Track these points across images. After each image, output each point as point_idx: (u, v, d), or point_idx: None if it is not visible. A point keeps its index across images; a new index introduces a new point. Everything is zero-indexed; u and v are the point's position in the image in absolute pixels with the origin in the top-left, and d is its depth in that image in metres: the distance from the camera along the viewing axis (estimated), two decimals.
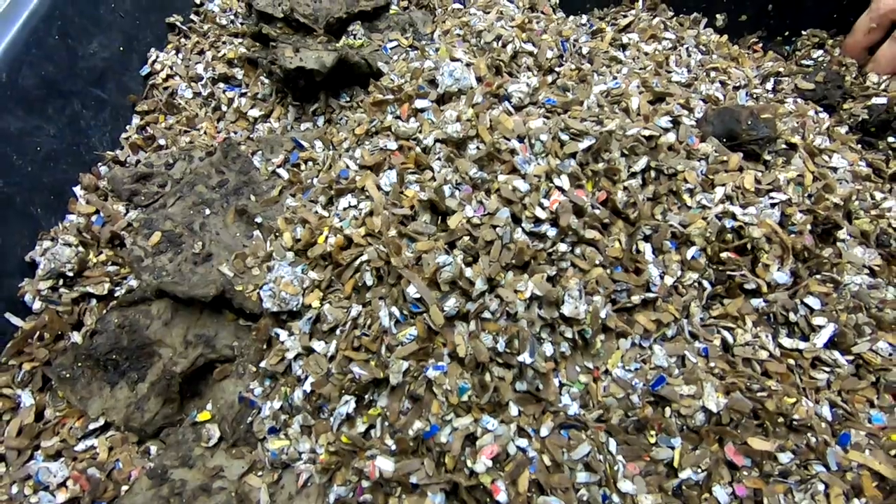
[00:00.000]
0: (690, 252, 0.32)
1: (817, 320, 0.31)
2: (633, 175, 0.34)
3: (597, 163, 0.33)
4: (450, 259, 0.27)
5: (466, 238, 0.28)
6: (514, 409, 0.28)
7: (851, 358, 0.32)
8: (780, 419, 0.28)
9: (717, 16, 0.55)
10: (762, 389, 0.28)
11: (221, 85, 0.47)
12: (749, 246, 0.32)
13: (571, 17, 0.54)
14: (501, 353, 0.27)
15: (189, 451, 0.30)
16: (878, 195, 0.38)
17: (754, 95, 0.47)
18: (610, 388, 0.29)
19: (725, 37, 0.54)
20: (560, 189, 0.30)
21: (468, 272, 0.27)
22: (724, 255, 0.32)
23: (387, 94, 0.38)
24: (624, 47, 0.50)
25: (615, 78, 0.40)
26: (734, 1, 0.54)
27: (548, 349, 0.28)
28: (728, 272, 0.31)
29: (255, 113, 0.45)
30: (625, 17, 0.53)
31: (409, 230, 0.30)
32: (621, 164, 0.33)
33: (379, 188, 0.33)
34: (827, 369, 0.31)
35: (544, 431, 0.28)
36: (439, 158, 0.32)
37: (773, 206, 0.33)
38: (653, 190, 0.33)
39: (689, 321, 0.31)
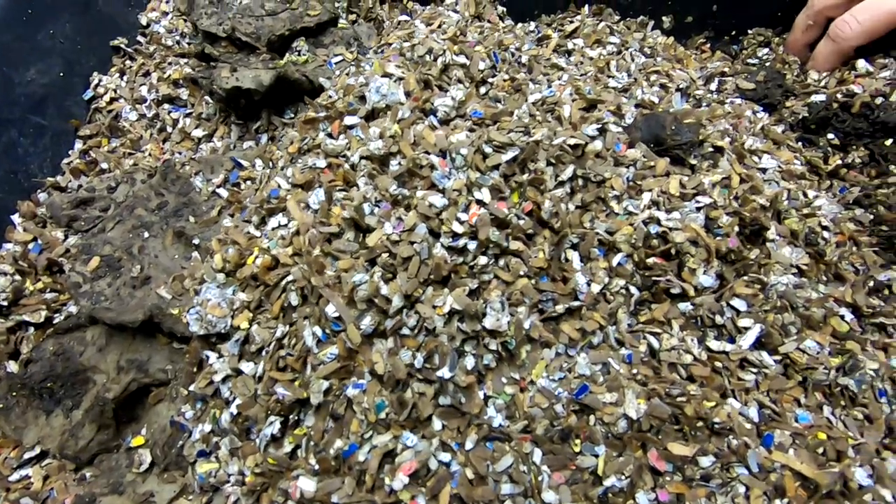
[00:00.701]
0: (616, 259, 0.32)
1: (743, 322, 0.32)
2: (560, 184, 0.34)
3: (523, 173, 0.33)
4: (365, 277, 0.28)
5: (385, 255, 0.29)
6: (437, 424, 0.28)
7: (779, 358, 0.32)
8: (700, 423, 0.28)
9: (664, 18, 0.55)
10: (682, 394, 0.28)
11: (166, 106, 0.47)
12: (674, 251, 0.32)
13: (519, 25, 0.55)
14: (421, 368, 0.28)
15: (121, 477, 0.30)
16: (811, 193, 0.38)
17: (696, 97, 0.47)
18: (535, 399, 0.29)
19: (672, 38, 0.55)
20: (480, 202, 0.30)
21: (384, 289, 0.27)
22: (650, 260, 0.32)
23: (320, 112, 0.38)
24: (569, 53, 0.51)
25: (550, 86, 0.40)
26: (679, 3, 0.54)
27: (469, 362, 0.29)
28: (654, 277, 0.32)
29: (198, 133, 0.45)
30: (571, 22, 0.54)
31: (332, 248, 0.30)
32: (548, 174, 0.33)
33: (307, 207, 0.33)
34: (754, 370, 0.31)
35: (469, 445, 0.28)
36: (363, 176, 0.32)
37: (698, 209, 0.33)
38: (580, 198, 0.34)
39: (616, 328, 0.31)
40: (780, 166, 0.39)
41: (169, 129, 0.46)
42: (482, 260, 0.29)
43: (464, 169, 0.31)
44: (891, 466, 0.31)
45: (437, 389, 0.28)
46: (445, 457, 0.28)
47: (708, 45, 0.56)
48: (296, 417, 0.29)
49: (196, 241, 0.37)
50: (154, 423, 0.32)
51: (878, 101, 0.44)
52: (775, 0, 0.53)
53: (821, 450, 0.30)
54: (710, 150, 0.35)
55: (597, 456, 0.28)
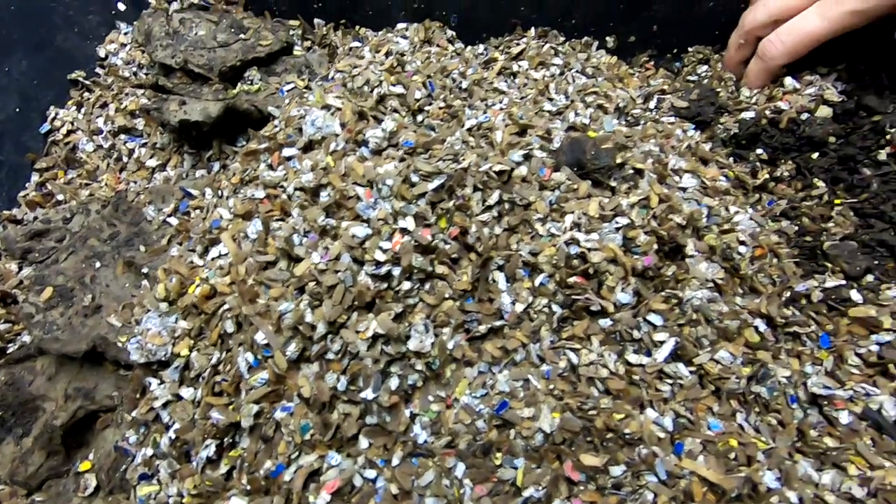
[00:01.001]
0: (539, 279, 0.34)
1: (659, 336, 0.33)
2: (487, 208, 0.36)
3: (451, 199, 0.35)
4: (291, 305, 0.29)
5: (312, 284, 0.30)
6: (364, 443, 0.30)
7: (694, 369, 0.34)
8: (610, 434, 0.30)
9: (608, 38, 0.58)
10: (594, 408, 0.30)
11: (123, 136, 0.48)
12: (593, 270, 0.34)
13: (469, 48, 0.57)
14: (346, 391, 0.29)
15: (68, 501, 0.32)
16: (732, 209, 0.40)
17: (634, 116, 0.50)
18: (459, 415, 0.31)
19: (615, 58, 0.57)
20: (404, 230, 0.32)
21: (309, 317, 0.29)
22: (571, 280, 0.34)
23: (263, 143, 0.40)
24: (514, 75, 0.53)
25: (486, 112, 0.42)
26: (622, 24, 0.56)
27: (394, 383, 0.30)
28: (574, 296, 0.33)
29: (153, 163, 0.47)
30: (517, 45, 0.56)
31: (265, 277, 0.32)
32: (474, 200, 0.35)
33: (246, 237, 0.35)
34: (670, 381, 0.33)
35: (395, 461, 0.30)
36: (296, 207, 0.34)
37: (617, 230, 0.35)
38: (507, 221, 0.36)
39: (538, 345, 0.33)
40: (704, 183, 0.41)
41: (125, 160, 0.48)
42: (406, 285, 0.31)
43: (390, 199, 0.33)
44: (801, 469, 0.33)
45: (363, 410, 0.30)
46: (371, 473, 0.29)
47: (652, 63, 0.58)
48: (230, 440, 0.30)
49: (145, 270, 0.39)
50: (101, 449, 0.33)
51: (804, 116, 0.47)
52: (712, 20, 0.55)
53: (732, 455, 0.32)
54: (631, 172, 0.37)
55: (516, 468, 0.30)
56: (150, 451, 0.32)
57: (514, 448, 0.30)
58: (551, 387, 0.31)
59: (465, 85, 0.47)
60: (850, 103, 0.47)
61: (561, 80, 0.51)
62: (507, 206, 0.36)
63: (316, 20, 0.57)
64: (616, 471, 0.29)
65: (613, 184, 0.37)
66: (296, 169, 0.36)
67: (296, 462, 0.28)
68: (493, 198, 0.35)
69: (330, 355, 0.29)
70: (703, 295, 0.35)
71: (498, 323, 0.32)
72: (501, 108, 0.44)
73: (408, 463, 0.30)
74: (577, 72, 0.53)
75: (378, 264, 0.31)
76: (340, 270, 0.30)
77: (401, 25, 0.56)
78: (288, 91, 0.48)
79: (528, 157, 0.37)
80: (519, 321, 0.33)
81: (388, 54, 0.50)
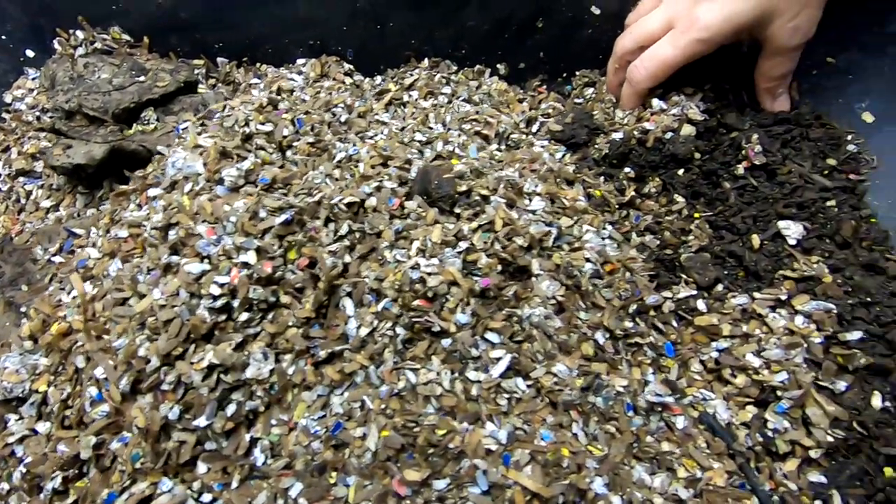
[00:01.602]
0: (382, 304, 0.36)
1: (496, 353, 0.35)
2: (339, 238, 0.38)
3: (301, 231, 0.37)
4: (125, 341, 0.31)
5: (151, 319, 0.32)
6: (202, 468, 0.31)
7: (531, 382, 0.36)
8: (432, 450, 0.32)
9: (499, 66, 0.61)
10: (418, 425, 0.32)
11: (21, 179, 0.50)
12: (434, 293, 0.36)
13: (367, 80, 0.59)
14: (180, 419, 0.31)
15: None
16: (585, 227, 0.43)
17: (513, 140, 0.52)
18: (298, 438, 0.33)
19: (504, 84, 0.60)
20: (245, 264, 0.34)
21: (141, 351, 0.31)
22: (415, 303, 0.36)
23: (136, 183, 0.42)
24: (404, 105, 0.55)
25: (355, 144, 0.45)
26: (510, 53, 0.59)
27: (231, 409, 0.32)
28: (415, 319, 0.35)
29: (47, 203, 0.49)
30: (411, 75, 0.58)
31: (113, 314, 0.33)
32: (323, 232, 0.37)
33: (108, 276, 0.36)
34: (507, 396, 0.35)
35: (234, 484, 0.31)
36: (149, 245, 0.36)
37: (458, 254, 0.37)
38: (358, 250, 0.38)
39: (380, 367, 0.35)
40: (563, 204, 0.44)
41: (23, 201, 0.50)
42: (245, 316, 0.33)
43: (233, 234, 0.35)
44: (636, 474, 0.35)
45: (200, 437, 0.31)
46: (207, 497, 0.31)
47: (544, 87, 0.61)
48: (76, 471, 0.32)
49: (23, 309, 0.40)
50: None
51: (668, 135, 0.49)
52: (593, 45, 0.58)
53: (564, 464, 0.34)
54: (478, 198, 0.40)
55: (348, 486, 0.32)
56: (5, 486, 0.33)
57: (348, 467, 0.32)
58: (383, 406, 0.33)
59: (344, 118, 0.49)
60: (711, 121, 0.50)
61: (442, 110, 0.53)
62: (357, 235, 0.38)
63: (219, 59, 0.60)
64: (440, 484, 0.31)
65: (458, 210, 0.39)
66: (155, 208, 0.38)
67: (128, 490, 0.30)
68: (344, 228, 0.38)
69: (165, 386, 0.31)
70: (541, 312, 0.37)
71: (338, 347, 0.34)
72: (373, 140, 0.46)
73: (246, 486, 0.32)
74: (463, 100, 0.56)
75: (215, 298, 0.33)
76: (177, 305, 0.32)
77: (300, 61, 0.59)
78: (182, 130, 0.50)
79: (379, 189, 0.39)
80: (363, 345, 0.35)
81: (278, 91, 0.53)
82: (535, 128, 0.55)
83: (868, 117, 0.47)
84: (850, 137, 0.47)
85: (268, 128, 0.43)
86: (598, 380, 0.36)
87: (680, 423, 0.37)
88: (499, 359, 0.35)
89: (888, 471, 0.34)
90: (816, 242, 0.43)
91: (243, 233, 0.35)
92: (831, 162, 0.47)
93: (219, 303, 0.33)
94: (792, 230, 0.43)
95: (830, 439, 0.35)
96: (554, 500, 0.32)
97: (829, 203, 0.45)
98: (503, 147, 0.52)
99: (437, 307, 0.36)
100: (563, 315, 0.38)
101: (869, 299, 0.39)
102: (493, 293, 0.37)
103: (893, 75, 0.45)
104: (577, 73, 0.61)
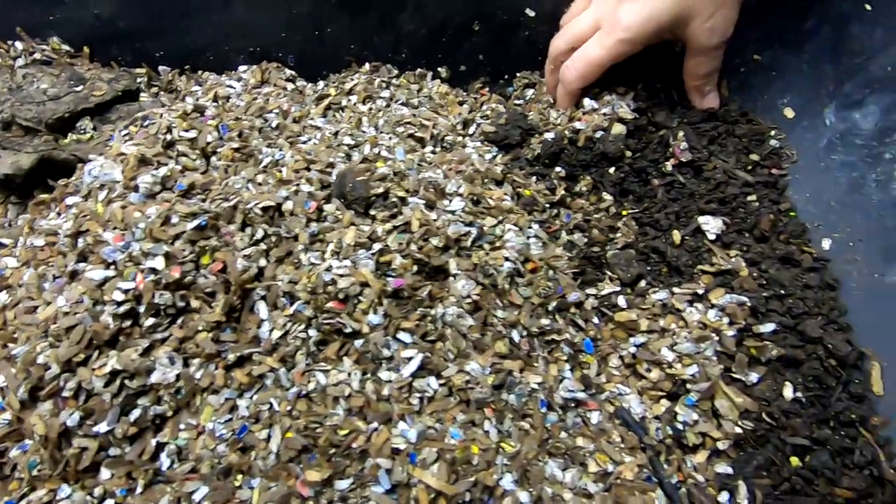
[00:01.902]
0: (295, 306, 0.36)
1: (407, 353, 0.36)
2: (255, 243, 0.38)
3: (216, 236, 0.37)
4: (24, 348, 0.31)
5: (54, 326, 0.32)
6: (105, 473, 0.32)
7: (444, 381, 0.36)
8: (334, 450, 0.32)
9: (440, 69, 0.61)
10: (321, 425, 0.32)
11: None
12: (345, 294, 0.36)
13: (310, 85, 0.60)
14: (80, 425, 0.31)
15: None
16: (507, 227, 0.43)
17: (448, 143, 0.53)
18: (205, 441, 0.33)
19: (445, 87, 0.60)
20: (153, 269, 0.34)
21: (41, 358, 0.31)
22: (328, 305, 0.36)
23: (58, 192, 0.42)
24: (343, 109, 0.56)
25: (282, 149, 0.45)
26: (450, 56, 0.60)
27: (135, 415, 0.32)
28: (328, 321, 0.36)
29: None
30: (352, 80, 0.59)
31: (19, 323, 0.34)
32: (238, 236, 0.38)
33: (21, 285, 0.37)
34: (419, 395, 0.35)
35: (139, 489, 0.32)
36: (59, 254, 0.36)
37: (371, 256, 0.37)
38: (274, 254, 0.38)
39: (291, 370, 0.35)
40: (489, 204, 0.44)
41: None
42: (149, 321, 0.33)
43: (141, 241, 0.35)
44: (548, 469, 0.35)
45: (103, 442, 0.32)
46: (110, 503, 0.31)
47: (486, 90, 0.62)
48: None
49: None
50: None
51: (599, 134, 0.50)
52: (533, 47, 0.59)
53: (475, 461, 0.34)
54: (395, 199, 0.40)
55: (252, 488, 0.32)
56: None
57: (253, 469, 0.32)
58: (290, 408, 0.33)
59: (276, 124, 0.49)
60: (642, 120, 0.51)
61: (380, 113, 0.54)
62: (274, 239, 0.38)
63: (161, 67, 0.60)
64: (342, 484, 0.31)
65: (374, 212, 0.39)
66: (71, 217, 0.38)
67: (26, 498, 0.30)
68: (259, 233, 0.38)
69: (65, 393, 0.31)
70: (455, 311, 0.37)
71: (247, 350, 0.35)
72: (303, 145, 0.47)
73: (150, 490, 0.32)
74: (401, 103, 0.57)
75: (118, 304, 0.33)
76: (80, 312, 0.32)
77: (242, 68, 0.59)
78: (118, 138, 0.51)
79: (296, 192, 0.40)
80: (274, 347, 0.35)
81: (214, 98, 0.53)
82: (471, 129, 0.55)
83: (789, 113, 0.47)
84: (773, 133, 0.48)
85: (191, 134, 0.44)
86: (511, 377, 0.36)
87: (594, 418, 0.38)
88: (410, 358, 0.36)
89: (794, 460, 0.35)
90: (736, 237, 0.44)
91: (152, 239, 0.35)
92: (754, 157, 0.48)
93: (122, 309, 0.33)
94: (711, 225, 0.43)
95: (739, 431, 0.36)
96: (459, 498, 0.32)
97: (750, 198, 0.45)
98: (438, 149, 0.52)
99: (350, 308, 0.36)
100: (478, 314, 0.38)
101: (783, 291, 0.40)
102: (406, 293, 0.37)
103: (811, 71, 0.46)
104: (518, 74, 0.61)
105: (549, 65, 0.55)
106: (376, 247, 0.38)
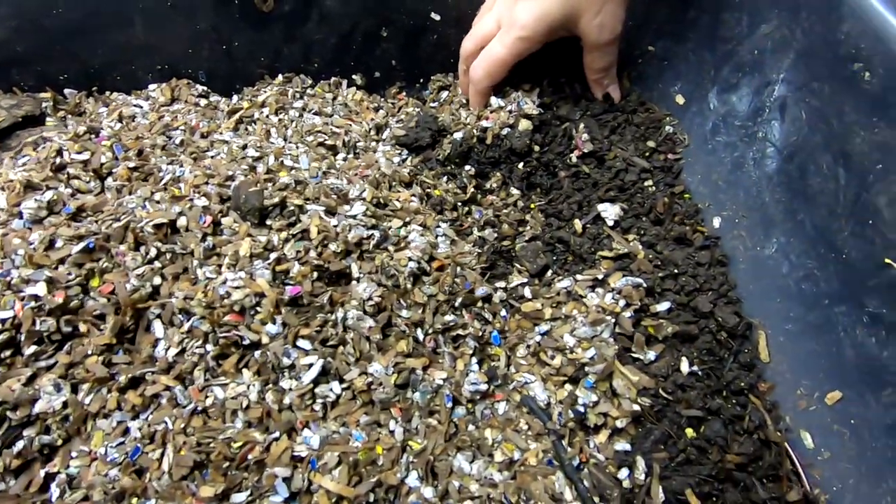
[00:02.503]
0: (190, 322, 0.36)
1: (307, 360, 0.36)
2: (149, 261, 0.38)
3: (106, 257, 0.37)
4: None
5: None
6: None
7: (346, 385, 0.36)
8: (227, 463, 0.32)
9: (354, 77, 0.62)
10: (211, 440, 0.32)
11: None
12: (241, 306, 0.36)
13: (223, 100, 0.59)
14: None
15: None
16: (412, 227, 0.43)
17: (360, 149, 0.53)
18: (98, 468, 0.32)
19: (361, 94, 0.61)
20: (34, 296, 0.33)
21: None
22: (226, 318, 0.36)
23: None
24: (255, 122, 0.55)
25: (182, 165, 0.45)
26: (362, 63, 0.61)
27: (19, 445, 0.31)
28: (224, 334, 0.35)
29: None
30: (265, 92, 0.59)
31: None
32: (129, 256, 0.37)
33: None
34: (321, 400, 0.35)
35: None
36: None
37: (267, 266, 0.37)
38: (169, 271, 0.38)
39: (188, 387, 0.34)
40: (396, 205, 0.45)
41: None
42: (31, 349, 0.32)
43: (21, 267, 0.34)
44: (456, 463, 0.36)
45: None
46: None
47: (403, 94, 0.63)
48: None
49: None
50: None
51: (506, 131, 0.51)
52: (444, 50, 0.60)
53: (380, 462, 0.34)
54: (292, 208, 0.40)
55: None
56: None
57: (148, 491, 0.32)
58: (184, 425, 0.33)
59: (180, 140, 0.49)
60: (547, 115, 0.52)
61: (293, 124, 0.54)
62: (168, 256, 0.38)
63: (67, 90, 0.59)
64: (238, 498, 0.31)
65: (270, 222, 0.39)
66: None
67: None
68: (152, 252, 0.37)
69: None
70: (354, 314, 0.37)
71: (141, 371, 0.34)
72: (204, 161, 0.46)
73: None
74: (314, 113, 0.57)
75: None
76: None
77: (152, 86, 0.59)
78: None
79: (190, 208, 0.39)
80: (171, 366, 0.35)
81: (119, 118, 0.52)
82: (384, 134, 0.56)
83: (680, 99, 0.49)
84: (667, 119, 0.50)
85: (84, 156, 0.43)
86: (414, 375, 0.37)
87: (501, 408, 0.38)
88: (311, 365, 0.36)
89: (689, 431, 0.36)
90: (634, 221, 0.45)
91: (33, 265, 0.34)
92: (651, 144, 0.49)
93: (0, 338, 0.32)
94: (609, 212, 0.45)
95: (637, 408, 0.37)
96: (361, 500, 0.32)
97: (647, 183, 0.47)
98: (351, 155, 0.53)
99: (248, 320, 0.36)
100: (381, 315, 0.38)
101: (676, 270, 0.42)
102: (305, 300, 0.37)
103: (696, 59, 0.48)
104: (432, 77, 0.62)
105: (462, 66, 0.56)
106: (273, 256, 0.38)
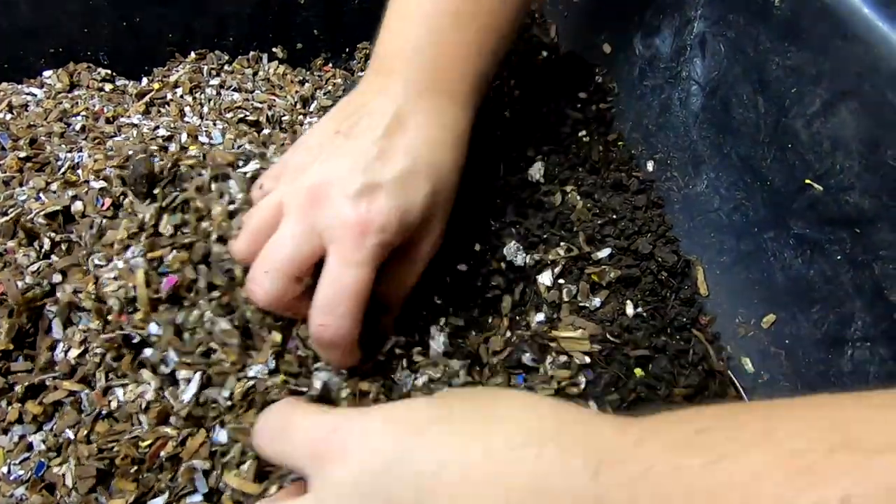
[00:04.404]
0: (83, 319, 0.32)
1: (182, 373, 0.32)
2: (45, 255, 0.34)
3: None
4: None
5: None
6: None
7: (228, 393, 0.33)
8: (136, 467, 0.29)
9: (275, 50, 0.58)
10: (114, 444, 0.29)
11: None
12: (118, 299, 0.32)
13: (132, 83, 0.54)
14: None
15: None
16: None
17: (286, 122, 0.50)
18: (2, 489, 0.29)
19: (284, 67, 0.57)
20: None
21: None
22: (110, 317, 0.32)
23: None
24: (168, 103, 0.51)
25: (82, 150, 0.40)
26: (283, 35, 0.57)
27: None
28: (108, 335, 0.32)
29: None
30: (176, 72, 0.54)
31: None
32: (21, 251, 0.33)
33: None
34: (214, 405, 0.32)
35: None
36: None
37: (141, 252, 0.32)
38: (63, 264, 0.34)
39: (91, 391, 0.31)
40: None
41: None
42: None
43: None
44: None
45: None
46: None
47: (330, 66, 0.60)
48: None
49: None
50: None
51: None
52: (368, 15, 0.57)
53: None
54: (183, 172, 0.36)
55: None
56: None
57: None
58: (87, 433, 0.30)
59: (80, 126, 0.44)
60: None
61: (211, 102, 0.50)
62: (63, 247, 0.34)
63: None
64: (158, 501, 0.28)
65: (156, 191, 0.35)
66: None
67: None
68: (47, 244, 0.34)
69: None
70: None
71: (40, 378, 0.30)
72: (107, 144, 0.42)
73: None
74: (233, 89, 0.53)
75: None
76: None
77: (47, 73, 0.53)
78: None
79: (87, 192, 0.36)
80: (74, 369, 0.31)
81: (9, 107, 0.47)
82: (311, 107, 0.53)
83: (607, 48, 0.49)
84: (596, 70, 0.50)
85: None
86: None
87: None
88: (189, 380, 0.32)
89: (638, 371, 0.36)
90: (571, 173, 0.45)
91: None
92: (583, 95, 0.49)
93: None
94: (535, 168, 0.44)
95: (588, 360, 0.36)
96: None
97: (581, 133, 0.47)
98: (276, 130, 0.50)
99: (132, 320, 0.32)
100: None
101: (615, 216, 0.41)
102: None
103: (619, 5, 0.48)
104: (359, 46, 0.60)
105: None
106: (143, 237, 0.33)
